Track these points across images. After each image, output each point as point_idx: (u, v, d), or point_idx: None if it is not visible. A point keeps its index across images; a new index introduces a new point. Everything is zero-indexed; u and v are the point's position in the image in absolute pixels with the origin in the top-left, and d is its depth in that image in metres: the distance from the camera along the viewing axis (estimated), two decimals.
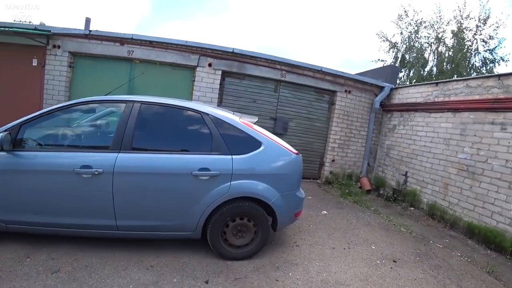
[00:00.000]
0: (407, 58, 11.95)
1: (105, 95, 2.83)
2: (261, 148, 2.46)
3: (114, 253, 2.43)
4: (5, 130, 2.24)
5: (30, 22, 5.35)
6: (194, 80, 5.26)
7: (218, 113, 2.50)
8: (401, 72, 12.09)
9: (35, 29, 4.37)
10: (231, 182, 2.35)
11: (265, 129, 5.47)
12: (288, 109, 5.78)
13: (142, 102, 2.44)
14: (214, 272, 2.32)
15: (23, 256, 2.27)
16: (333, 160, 5.90)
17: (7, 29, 3.99)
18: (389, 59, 12.30)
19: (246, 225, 2.50)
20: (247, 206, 2.43)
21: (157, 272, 2.25)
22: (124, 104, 2.43)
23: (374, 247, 3.12)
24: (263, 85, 5.64)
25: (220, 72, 5.30)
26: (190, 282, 2.16)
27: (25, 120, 2.32)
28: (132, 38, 4.85)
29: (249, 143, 2.46)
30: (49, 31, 4.45)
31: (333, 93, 5.90)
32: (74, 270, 2.17)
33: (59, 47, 4.68)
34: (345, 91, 5.80)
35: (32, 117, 2.34)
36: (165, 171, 2.29)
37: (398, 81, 11.82)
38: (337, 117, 5.81)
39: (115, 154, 2.26)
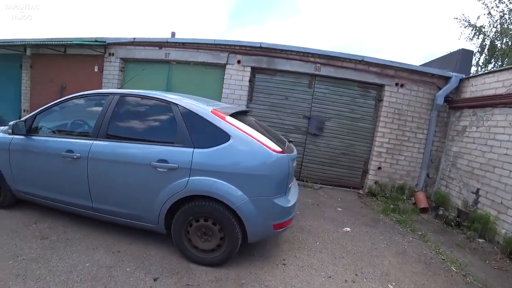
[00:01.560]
0: (498, 45, 9.00)
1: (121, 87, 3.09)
2: (229, 142, 2.15)
3: (97, 232, 2.60)
4: (25, 119, 2.67)
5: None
6: (224, 78, 5.26)
7: (187, 103, 2.33)
8: (490, 63, 9.20)
9: (95, 40, 5.24)
10: (190, 178, 2.14)
11: (298, 129, 5.11)
12: (325, 107, 5.12)
13: (121, 94, 2.52)
14: (170, 271, 2.16)
15: (32, 222, 2.68)
16: (379, 168, 4.89)
17: (71, 42, 4.91)
18: (473, 49, 9.54)
19: (211, 229, 2.23)
20: (210, 207, 2.16)
21: (118, 258, 2.25)
22: (107, 97, 2.55)
23: (392, 287, 2.32)
24: (296, 80, 5.17)
25: (249, 69, 5.14)
26: (139, 275, 2.07)
27: (39, 111, 2.72)
28: (167, 42, 5.24)
29: (216, 136, 2.19)
30: (105, 41, 5.26)
31: (380, 87, 4.91)
32: (57, 240, 2.42)
33: (113, 54, 5.48)
34: (396, 84, 4.72)
35: (44, 108, 2.71)
36: (128, 160, 2.27)
37: None
38: (385, 116, 4.79)
39: (92, 141, 2.39)
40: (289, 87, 5.21)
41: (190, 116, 2.27)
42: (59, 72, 5.73)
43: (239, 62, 5.14)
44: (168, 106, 2.36)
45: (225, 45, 5.11)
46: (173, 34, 7.55)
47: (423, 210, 4.31)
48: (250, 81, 5.23)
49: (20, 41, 5.26)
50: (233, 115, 2.40)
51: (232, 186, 2.11)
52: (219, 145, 2.16)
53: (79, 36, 5.31)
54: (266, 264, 2.42)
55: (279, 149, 2.23)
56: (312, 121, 5.13)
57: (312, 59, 4.92)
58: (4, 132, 2.78)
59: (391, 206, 4.30)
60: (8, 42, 5.34)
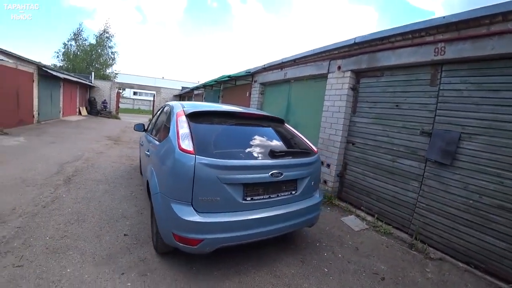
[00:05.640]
0: None
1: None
2: (167, 137, 2.46)
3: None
4: (146, 124, 4.56)
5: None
6: (325, 89, 4.74)
7: (176, 106, 2.83)
8: None
9: (245, 72, 6.95)
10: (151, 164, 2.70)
11: (411, 151, 4.11)
12: (461, 114, 2.93)
13: (163, 106, 3.60)
14: (135, 237, 2.78)
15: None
16: None
17: (235, 76, 6.96)
18: None
19: None
20: None
21: (132, 219, 3.24)
22: (160, 109, 3.74)
23: None
24: (410, 77, 3.48)
25: (349, 74, 4.26)
26: (117, 235, 2.92)
27: (150, 119, 4.54)
28: (282, 62, 5.68)
29: (168, 133, 2.56)
30: (249, 71, 6.80)
31: None
32: None
33: (256, 81, 6.88)
34: None
35: (151, 117, 4.49)
36: (152, 150, 3.19)
37: None
38: None
39: (148, 136, 3.67)
40: (400, 89, 3.61)
41: (171, 117, 2.79)
42: (232, 98, 8.25)
43: (339, 68, 4.43)
44: (171, 110, 3.02)
45: (323, 52, 4.65)
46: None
47: None
48: (353, 88, 4.28)
49: (214, 80, 8.39)
50: (195, 114, 2.53)
51: (155, 176, 2.37)
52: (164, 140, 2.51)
53: (240, 71, 7.38)
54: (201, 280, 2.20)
55: (188, 148, 2.10)
56: (435, 140, 3.14)
57: (428, 38, 3.08)
58: None
59: None
60: (210, 82, 8.69)
